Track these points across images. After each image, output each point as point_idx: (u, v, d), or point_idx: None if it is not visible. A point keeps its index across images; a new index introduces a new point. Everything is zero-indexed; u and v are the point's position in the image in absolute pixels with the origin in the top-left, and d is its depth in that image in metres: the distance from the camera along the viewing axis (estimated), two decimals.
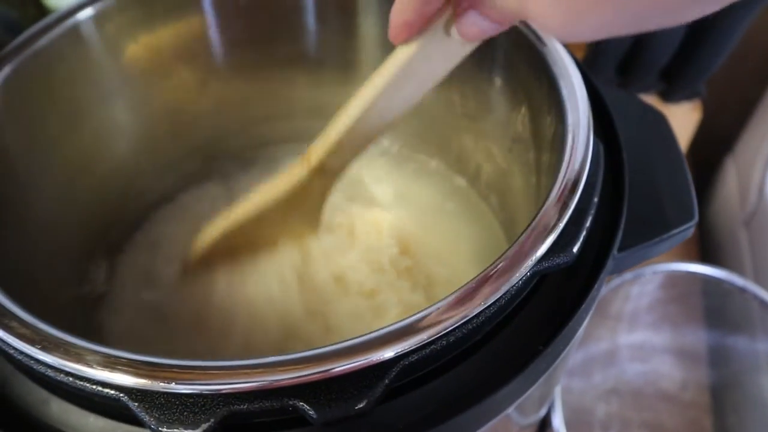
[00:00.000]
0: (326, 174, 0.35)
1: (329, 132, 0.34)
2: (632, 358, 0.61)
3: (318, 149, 0.34)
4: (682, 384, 0.61)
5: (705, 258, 0.73)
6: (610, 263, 0.30)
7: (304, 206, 0.37)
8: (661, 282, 0.60)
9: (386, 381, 0.24)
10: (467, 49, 0.30)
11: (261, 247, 0.40)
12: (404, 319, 0.24)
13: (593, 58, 0.63)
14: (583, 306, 0.29)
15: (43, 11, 0.56)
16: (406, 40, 0.29)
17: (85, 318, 0.43)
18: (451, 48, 0.29)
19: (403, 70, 0.30)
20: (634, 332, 0.61)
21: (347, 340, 0.23)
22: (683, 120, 0.69)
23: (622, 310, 0.60)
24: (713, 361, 0.62)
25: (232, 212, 0.38)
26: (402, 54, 0.30)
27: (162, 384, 0.23)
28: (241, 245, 0.40)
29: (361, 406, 0.23)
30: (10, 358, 0.27)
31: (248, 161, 0.53)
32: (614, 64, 0.64)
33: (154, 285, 0.45)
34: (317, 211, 0.38)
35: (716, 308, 0.61)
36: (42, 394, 0.27)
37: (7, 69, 0.36)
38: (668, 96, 0.67)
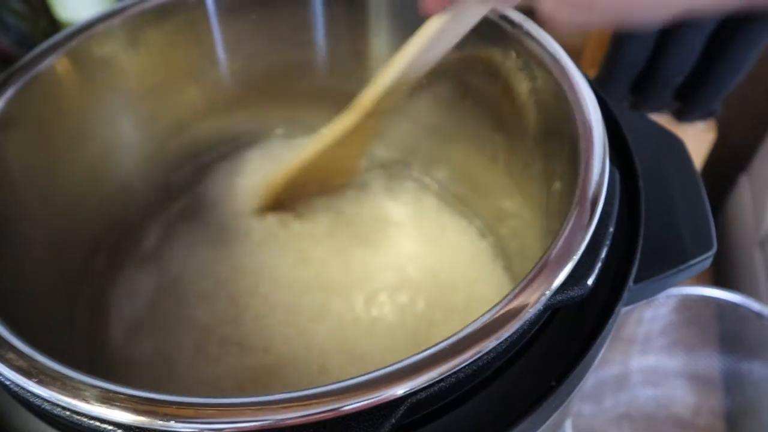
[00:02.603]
0: (371, 118, 0.42)
1: (374, 88, 0.40)
2: (644, 382, 0.60)
3: (366, 101, 0.41)
4: (695, 409, 0.60)
5: (718, 280, 0.71)
6: (625, 296, 0.29)
7: (352, 148, 0.45)
8: (675, 305, 0.58)
9: (393, 420, 0.23)
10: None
11: (311, 191, 0.48)
12: (413, 356, 0.23)
13: (607, 77, 0.62)
14: (598, 340, 0.28)
15: (55, 24, 0.56)
16: (439, 12, 0.34)
17: (90, 340, 0.42)
18: (478, 11, 0.35)
19: (437, 34, 0.36)
20: (646, 356, 0.60)
21: (353, 378, 0.23)
22: (697, 140, 0.68)
23: (635, 333, 0.59)
24: (728, 386, 0.60)
25: (293, 159, 0.45)
26: (435, 23, 0.35)
27: (160, 422, 0.22)
28: (299, 188, 0.47)
29: None
30: (6, 389, 0.26)
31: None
32: (628, 83, 0.63)
33: (161, 303, 0.44)
34: (362, 150, 0.46)
35: (731, 333, 0.60)
36: (39, 425, 0.27)
37: (11, 90, 0.36)
38: (682, 116, 0.66)
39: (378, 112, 0.42)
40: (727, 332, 0.60)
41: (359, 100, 0.41)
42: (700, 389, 0.60)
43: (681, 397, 0.59)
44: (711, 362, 0.60)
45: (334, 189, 0.49)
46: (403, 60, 0.38)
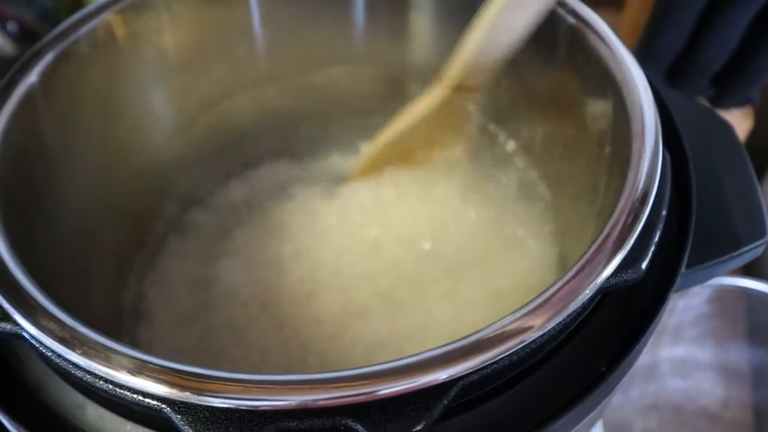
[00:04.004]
0: (464, 91, 0.39)
1: (458, 57, 0.37)
2: (673, 373, 0.59)
3: (451, 73, 0.38)
4: (724, 402, 0.59)
5: (749, 271, 0.70)
6: (678, 280, 0.29)
7: (449, 122, 0.42)
8: (709, 296, 0.57)
9: (445, 402, 0.22)
10: None
11: (418, 158, 0.45)
12: (466, 338, 0.23)
13: (642, 60, 0.60)
14: (651, 326, 0.27)
15: (78, 1, 0.56)
16: None
17: (121, 312, 0.42)
18: None
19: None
20: (676, 346, 0.59)
21: (407, 358, 0.22)
22: None
23: (666, 323, 0.58)
24: (757, 379, 0.59)
25: (383, 134, 0.44)
26: None
27: (207, 398, 0.22)
28: (399, 157, 0.45)
29: (418, 428, 0.22)
30: (45, 360, 0.26)
31: (283, 158, 0.51)
32: (664, 67, 0.62)
33: (191, 280, 0.44)
34: (462, 125, 0.43)
35: (763, 325, 0.59)
36: (78, 398, 0.26)
37: (48, 57, 0.35)
38: (718, 102, 0.64)
39: (464, 89, 0.39)
40: (758, 324, 0.59)
41: (444, 74, 0.39)
42: (730, 382, 0.59)
43: (710, 389, 0.59)
44: (741, 355, 0.59)
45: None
46: (484, 26, 0.35)
